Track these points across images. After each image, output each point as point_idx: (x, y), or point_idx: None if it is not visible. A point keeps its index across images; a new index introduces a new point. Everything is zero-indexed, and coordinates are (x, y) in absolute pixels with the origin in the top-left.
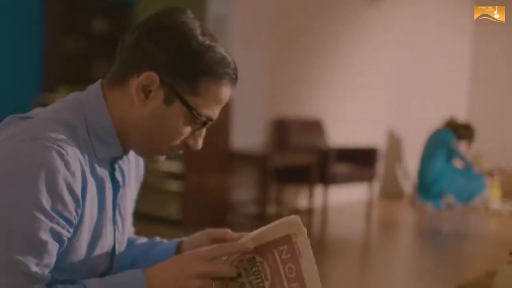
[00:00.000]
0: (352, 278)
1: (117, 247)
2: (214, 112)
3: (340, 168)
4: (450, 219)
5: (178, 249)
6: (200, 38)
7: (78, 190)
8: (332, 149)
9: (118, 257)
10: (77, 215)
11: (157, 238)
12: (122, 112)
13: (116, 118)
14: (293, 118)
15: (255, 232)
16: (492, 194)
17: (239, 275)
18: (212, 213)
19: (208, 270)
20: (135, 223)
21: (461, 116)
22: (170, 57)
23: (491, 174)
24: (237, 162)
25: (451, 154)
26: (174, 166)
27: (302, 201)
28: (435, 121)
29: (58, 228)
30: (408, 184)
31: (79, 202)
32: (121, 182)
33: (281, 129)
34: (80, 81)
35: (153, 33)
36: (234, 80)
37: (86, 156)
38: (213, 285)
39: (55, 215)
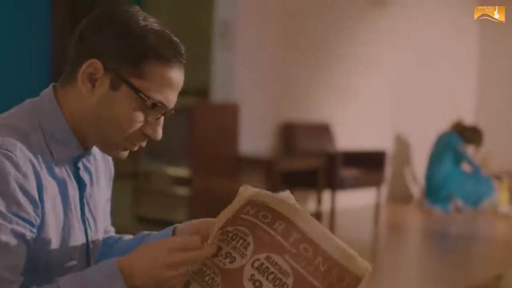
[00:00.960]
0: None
1: (91, 245)
2: (166, 97)
3: (348, 172)
4: (458, 222)
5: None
6: (142, 22)
7: (33, 191)
8: (340, 153)
9: (94, 256)
10: (37, 216)
11: (145, 232)
12: (74, 109)
13: (70, 117)
14: (300, 122)
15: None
16: (501, 197)
17: (219, 249)
18: None
19: (181, 260)
20: (141, 228)
21: (469, 119)
22: (112, 42)
23: (499, 178)
24: (244, 167)
25: (458, 157)
26: (181, 171)
27: (309, 205)
28: (443, 124)
29: (19, 229)
30: (416, 187)
31: (36, 202)
32: (87, 181)
33: (288, 133)
34: None
35: (95, 24)
36: (183, 62)
37: (40, 159)
38: (190, 269)
39: (13, 217)
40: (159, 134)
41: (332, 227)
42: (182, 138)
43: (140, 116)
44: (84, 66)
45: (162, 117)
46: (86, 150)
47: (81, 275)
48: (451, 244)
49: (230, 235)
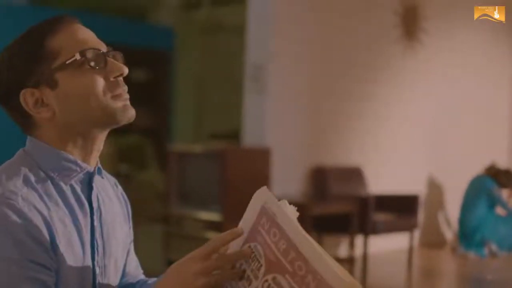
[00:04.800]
0: None
1: (97, 270)
2: (85, 44)
3: (381, 217)
4: (493, 267)
5: None
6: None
7: (42, 236)
8: (372, 197)
9: (103, 284)
10: (52, 259)
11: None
12: (54, 136)
13: (58, 144)
14: (332, 166)
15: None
16: None
17: (243, 272)
18: None
19: (207, 265)
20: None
21: (502, 162)
22: (11, 65)
23: None
24: None
25: (492, 201)
26: (212, 215)
27: (342, 249)
28: (476, 168)
29: (39, 275)
30: (449, 232)
31: (47, 247)
32: (100, 205)
33: (320, 177)
34: (119, 130)
35: None
36: (63, 17)
37: (46, 198)
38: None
39: (29, 263)
40: (121, 68)
41: (364, 271)
42: (213, 182)
43: (96, 78)
44: (23, 104)
45: (111, 58)
46: (90, 164)
47: None
48: None
49: (252, 255)
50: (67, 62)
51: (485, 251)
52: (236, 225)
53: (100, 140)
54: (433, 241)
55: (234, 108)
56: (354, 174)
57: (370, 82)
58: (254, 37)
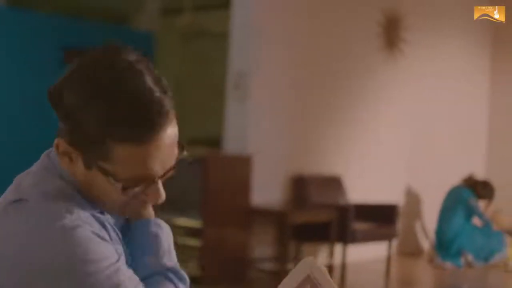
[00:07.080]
0: None
1: None
2: (146, 171)
3: (360, 225)
4: (469, 277)
5: None
6: (93, 91)
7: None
8: (351, 206)
9: None
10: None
11: None
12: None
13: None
14: (312, 175)
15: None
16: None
17: None
18: (231, 270)
19: None
20: None
21: (480, 173)
22: (70, 122)
23: (510, 233)
24: (256, 219)
25: (469, 212)
26: (192, 222)
27: (321, 258)
28: (454, 178)
29: (123, 266)
30: (426, 242)
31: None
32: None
33: (300, 186)
34: None
35: (56, 92)
36: (164, 124)
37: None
38: None
39: (113, 260)
40: (160, 198)
41: (343, 280)
42: (194, 189)
43: (125, 194)
44: (54, 145)
45: (158, 183)
46: None
47: None
48: None
49: None
50: (108, 177)
51: (462, 261)
52: (216, 231)
53: None
54: (410, 250)
55: (214, 115)
56: (334, 183)
57: (352, 91)
58: (237, 44)
